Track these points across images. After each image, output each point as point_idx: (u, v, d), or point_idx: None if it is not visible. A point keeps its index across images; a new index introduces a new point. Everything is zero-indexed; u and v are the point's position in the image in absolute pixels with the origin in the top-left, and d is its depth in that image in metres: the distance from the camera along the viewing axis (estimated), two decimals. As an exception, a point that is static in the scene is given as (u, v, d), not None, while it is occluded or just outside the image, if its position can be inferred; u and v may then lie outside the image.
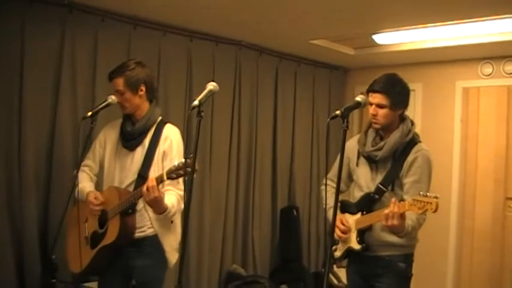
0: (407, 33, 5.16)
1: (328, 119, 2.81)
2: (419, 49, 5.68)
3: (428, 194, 2.96)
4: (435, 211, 2.91)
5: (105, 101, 3.46)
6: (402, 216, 3.07)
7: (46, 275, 3.95)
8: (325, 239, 6.95)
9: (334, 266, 6.45)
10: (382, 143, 3.42)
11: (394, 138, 3.38)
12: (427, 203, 2.93)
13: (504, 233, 5.93)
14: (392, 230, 3.20)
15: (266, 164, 6.35)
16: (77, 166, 3.51)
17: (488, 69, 5.99)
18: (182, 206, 3.52)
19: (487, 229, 6.02)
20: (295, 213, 6.52)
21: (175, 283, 2.96)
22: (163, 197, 3.30)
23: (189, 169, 3.03)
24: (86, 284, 4.18)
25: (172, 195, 3.43)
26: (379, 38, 5.47)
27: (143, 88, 3.54)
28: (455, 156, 6.23)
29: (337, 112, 2.80)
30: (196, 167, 2.96)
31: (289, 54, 6.45)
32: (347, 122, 2.78)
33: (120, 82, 3.46)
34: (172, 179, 3.15)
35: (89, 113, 3.38)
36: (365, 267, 3.51)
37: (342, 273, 6.33)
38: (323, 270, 6.61)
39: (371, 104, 3.37)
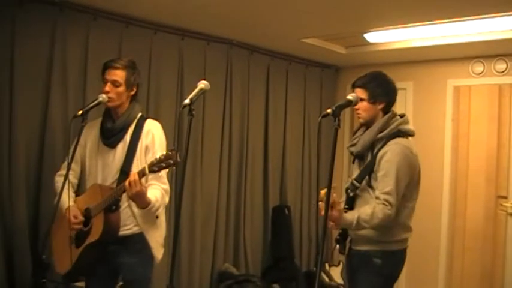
0: (398, 31, 5.17)
1: (320, 118, 2.80)
2: (411, 48, 5.69)
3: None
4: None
5: (95, 100, 3.43)
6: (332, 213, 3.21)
7: (36, 275, 3.92)
8: (316, 238, 6.96)
9: (326, 265, 6.48)
10: (356, 139, 3.60)
11: (367, 133, 3.53)
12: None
13: (496, 231, 5.94)
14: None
15: (257, 163, 6.35)
16: (68, 164, 3.47)
17: (479, 67, 6.00)
18: (167, 200, 3.53)
19: (479, 228, 6.03)
20: (286, 212, 6.52)
21: (166, 282, 2.96)
22: (146, 191, 3.28)
23: (170, 161, 3.03)
24: (77, 284, 4.17)
25: (157, 190, 3.42)
26: (371, 37, 5.47)
27: (135, 89, 3.59)
28: (447, 155, 6.25)
29: (329, 110, 2.81)
30: (178, 159, 2.98)
31: (280, 53, 6.45)
32: (338, 120, 2.78)
33: (121, 74, 3.47)
34: (155, 172, 3.13)
35: (80, 112, 3.34)
36: (350, 261, 3.64)
37: (334, 272, 6.36)
38: (315, 269, 6.64)
39: None
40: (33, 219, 4.27)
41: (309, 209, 6.96)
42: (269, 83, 6.41)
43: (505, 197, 5.88)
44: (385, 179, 3.33)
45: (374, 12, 4.53)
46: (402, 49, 5.77)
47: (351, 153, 3.66)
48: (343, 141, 7.04)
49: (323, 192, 3.09)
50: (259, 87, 6.30)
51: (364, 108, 3.52)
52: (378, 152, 3.44)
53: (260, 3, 4.37)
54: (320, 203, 3.19)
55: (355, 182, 3.50)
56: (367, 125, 3.57)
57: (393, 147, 3.40)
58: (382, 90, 3.54)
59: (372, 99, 3.50)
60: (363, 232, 3.43)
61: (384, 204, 3.27)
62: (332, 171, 2.81)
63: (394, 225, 3.40)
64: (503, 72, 5.83)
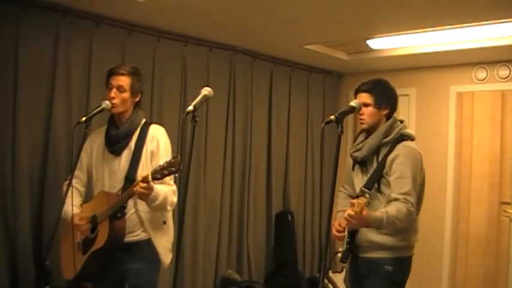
0: (401, 38, 5.18)
1: (323, 124, 2.81)
2: (414, 54, 5.69)
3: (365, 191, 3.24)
4: (357, 210, 3.03)
5: (99, 106, 3.44)
6: (362, 215, 3.08)
7: (40, 281, 3.93)
8: (319, 244, 6.95)
9: (330, 271, 6.47)
10: (361, 144, 3.56)
11: (372, 138, 3.49)
12: (357, 203, 3.05)
13: (499, 237, 5.94)
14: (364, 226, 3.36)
15: (261, 169, 6.34)
16: (71, 172, 3.48)
17: (482, 74, 6.00)
18: (175, 199, 3.52)
19: (482, 233, 6.03)
20: (290, 218, 6.51)
21: (170, 289, 2.95)
22: (153, 186, 3.26)
23: (173, 168, 3.04)
24: (80, 290, 4.17)
25: (163, 186, 3.41)
26: (373, 43, 5.47)
27: (139, 95, 3.60)
28: (450, 161, 6.24)
29: (332, 117, 2.81)
30: (181, 166, 3.00)
31: (283, 60, 6.46)
32: (341, 127, 2.78)
33: (127, 80, 3.49)
34: (158, 179, 3.14)
35: (83, 118, 3.34)
36: (357, 269, 3.57)
37: (337, 278, 6.35)
38: (318, 275, 6.63)
39: None
40: (37, 225, 4.27)
41: (312, 215, 6.96)
42: (272, 89, 6.42)
43: (509, 203, 5.88)
44: (401, 181, 3.32)
45: (376, 18, 4.54)
46: (405, 55, 5.78)
47: (354, 159, 3.63)
48: (346, 147, 6.99)
49: (357, 202, 3.06)
50: (262, 93, 6.30)
51: (369, 114, 3.50)
52: (385, 156, 3.43)
53: (262, 10, 4.38)
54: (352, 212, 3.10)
55: (364, 189, 3.45)
56: (369, 130, 3.55)
57: (403, 149, 3.42)
58: (387, 96, 3.55)
59: (378, 105, 3.49)
60: (376, 239, 3.40)
61: (405, 202, 3.25)
62: (335, 178, 2.81)
63: (407, 228, 3.41)
64: (506, 78, 5.82)
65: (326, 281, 6.38)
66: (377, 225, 3.27)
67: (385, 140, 3.46)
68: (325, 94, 7.14)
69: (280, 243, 6.49)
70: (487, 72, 5.97)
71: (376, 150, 3.49)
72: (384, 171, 3.41)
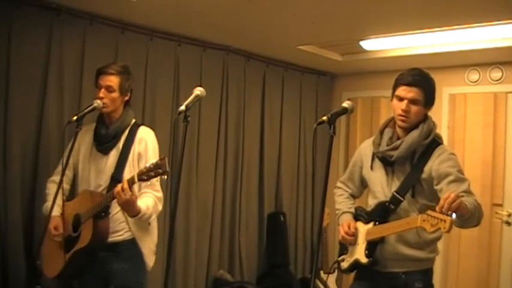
0: (394, 39, 5.18)
1: (315, 125, 2.77)
2: (407, 55, 5.69)
3: (443, 210, 2.67)
4: (448, 231, 2.70)
5: (90, 105, 3.45)
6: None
7: (30, 281, 3.92)
8: (311, 245, 6.95)
9: (321, 272, 6.46)
10: (398, 142, 3.18)
11: (412, 137, 3.14)
12: (441, 220, 2.69)
13: (491, 239, 5.94)
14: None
15: (253, 169, 6.34)
16: (61, 169, 3.46)
17: (474, 76, 6.02)
18: (160, 207, 3.53)
19: (474, 235, 6.02)
20: (282, 218, 6.51)
21: (161, 289, 2.95)
22: (135, 200, 3.27)
23: (160, 170, 3.03)
24: (71, 290, 4.16)
25: (149, 198, 3.44)
26: (367, 44, 5.48)
27: (129, 94, 3.61)
28: (442, 163, 6.23)
29: (324, 118, 2.77)
30: (167, 168, 2.98)
31: (276, 60, 6.46)
32: (334, 127, 2.75)
33: (115, 80, 3.50)
34: (144, 180, 3.14)
35: (74, 117, 3.35)
36: (376, 285, 3.29)
37: (329, 279, 6.34)
38: (310, 276, 6.62)
39: (401, 99, 3.16)
40: (28, 225, 4.25)
41: (305, 216, 6.96)
42: (265, 89, 6.41)
43: (500, 205, 5.89)
44: (457, 183, 3.03)
45: (370, 19, 4.54)
46: (398, 57, 5.77)
47: (387, 157, 3.22)
48: (339, 149, 7.07)
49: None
50: (255, 93, 6.30)
51: (417, 112, 3.14)
52: (422, 160, 3.15)
53: (257, 10, 4.37)
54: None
55: (397, 195, 3.15)
56: (405, 129, 3.20)
57: (448, 153, 3.16)
58: (434, 93, 3.23)
59: (427, 104, 3.18)
60: (406, 252, 3.17)
61: (470, 194, 2.96)
62: (327, 179, 2.80)
63: (436, 239, 3.30)
64: (498, 80, 5.85)
65: (318, 282, 6.38)
66: (467, 214, 2.84)
67: (425, 141, 3.16)
68: (318, 95, 7.14)
69: (272, 243, 6.48)
70: (479, 74, 5.99)
71: (413, 152, 3.17)
72: (423, 176, 3.13)
